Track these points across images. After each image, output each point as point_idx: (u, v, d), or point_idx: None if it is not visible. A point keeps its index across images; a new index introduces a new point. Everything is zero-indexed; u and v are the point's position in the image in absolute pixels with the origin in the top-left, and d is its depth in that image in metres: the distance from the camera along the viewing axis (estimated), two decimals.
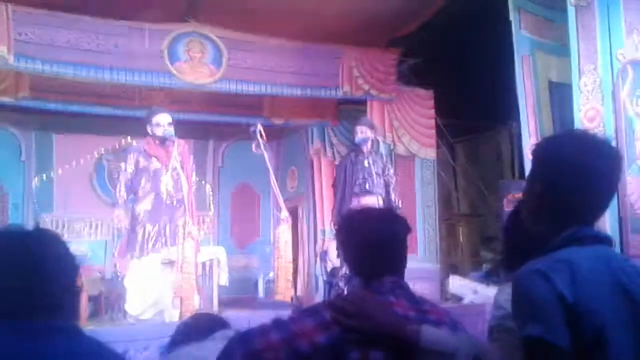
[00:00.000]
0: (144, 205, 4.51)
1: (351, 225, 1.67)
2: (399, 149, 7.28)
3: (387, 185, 5.41)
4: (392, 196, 5.54)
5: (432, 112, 7.39)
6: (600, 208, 1.32)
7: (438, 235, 7.30)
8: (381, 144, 7.14)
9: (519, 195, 6.03)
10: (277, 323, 1.42)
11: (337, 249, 5.18)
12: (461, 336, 1.45)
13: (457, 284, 5.57)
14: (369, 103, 7.22)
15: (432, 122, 7.41)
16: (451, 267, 7.42)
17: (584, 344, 1.12)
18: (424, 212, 7.26)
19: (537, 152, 1.36)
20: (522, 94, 5.53)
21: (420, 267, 6.54)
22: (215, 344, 1.45)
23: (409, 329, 1.37)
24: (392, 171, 5.76)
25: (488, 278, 5.85)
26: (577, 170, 1.25)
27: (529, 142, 5.36)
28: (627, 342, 1.15)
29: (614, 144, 1.36)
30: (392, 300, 1.50)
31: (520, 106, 5.53)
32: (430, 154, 7.40)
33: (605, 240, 1.30)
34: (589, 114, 4.51)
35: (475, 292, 4.88)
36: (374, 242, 1.58)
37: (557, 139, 1.40)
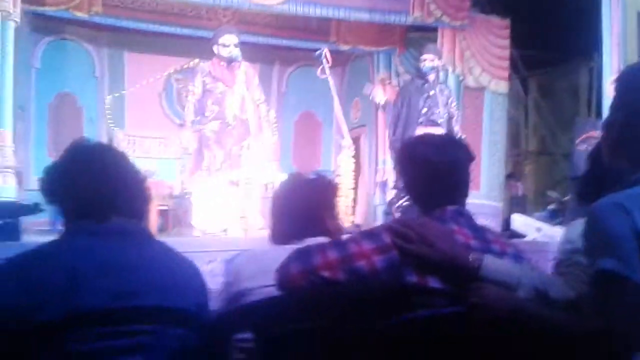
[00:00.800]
0: (211, 127, 4.59)
1: (411, 152, 1.62)
2: (469, 81, 7.01)
3: (450, 118, 5.24)
4: (455, 129, 5.38)
5: (507, 42, 7.01)
6: None
7: (503, 173, 7.12)
8: (449, 74, 6.89)
9: (594, 133, 5.72)
10: (336, 243, 1.44)
11: (395, 178, 5.15)
12: (524, 267, 1.42)
13: (520, 221, 5.45)
14: (439, 31, 6.92)
15: (506, 53, 7.04)
16: (515, 205, 7.25)
17: None
18: (490, 147, 7.05)
19: (621, 78, 1.27)
20: (607, 26, 5.16)
21: (483, 203, 6.44)
22: (279, 254, 1.50)
23: (470, 258, 1.35)
24: (455, 103, 5.56)
25: (553, 218, 5.69)
26: None
27: (610, 78, 5.03)
28: None
29: None
30: (454, 228, 1.47)
31: (604, 39, 5.17)
32: (502, 87, 7.08)
33: None
34: None
35: (538, 231, 4.77)
36: (434, 169, 1.53)
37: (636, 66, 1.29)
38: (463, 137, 5.57)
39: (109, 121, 7.67)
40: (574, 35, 6.45)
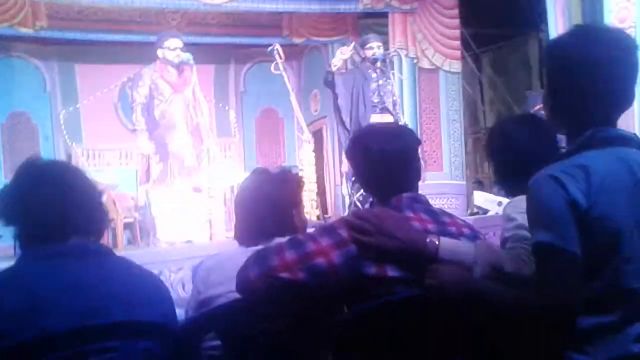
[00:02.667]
0: (164, 132, 4.52)
1: (362, 144, 1.63)
2: (423, 63, 7.08)
3: (394, 105, 5.27)
4: (399, 116, 5.41)
5: (457, 22, 7.09)
6: (618, 104, 1.24)
7: (464, 151, 7.23)
8: (403, 58, 6.95)
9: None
10: (294, 241, 1.43)
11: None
12: (479, 246, 1.45)
13: (481, 198, 5.56)
14: (390, 15, 6.96)
15: (457, 32, 7.12)
16: (477, 182, 7.38)
17: (597, 249, 1.12)
18: (449, 127, 7.14)
19: (544, 52, 1.31)
20: None
21: (446, 184, 6.54)
22: (245, 257, 1.50)
23: (427, 242, 1.37)
24: (396, 90, 5.59)
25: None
26: (583, 64, 1.18)
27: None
28: None
29: (636, 37, 1.28)
30: (411, 215, 1.49)
31: (549, 10, 5.27)
32: (455, 66, 7.17)
33: (629, 140, 1.24)
34: (621, 14, 4.28)
35: (499, 204, 4.88)
36: (387, 159, 1.55)
37: (562, 37, 1.31)
38: (406, 123, 5.64)
39: (65, 137, 7.51)
40: (521, 9, 6.56)
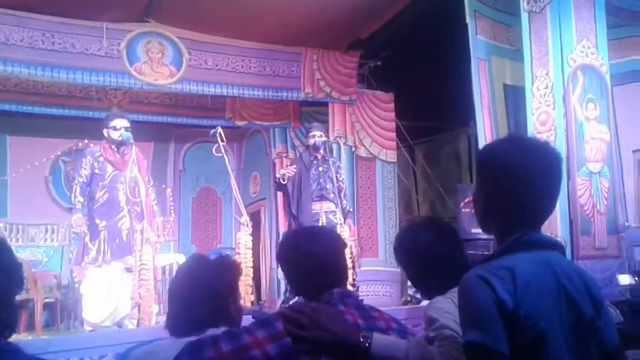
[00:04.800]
0: (101, 212, 4.42)
1: (287, 249, 1.70)
2: (360, 151, 7.35)
3: (339, 191, 5.38)
4: (344, 202, 5.50)
5: (392, 114, 7.48)
6: (544, 210, 1.33)
7: None
8: (342, 146, 7.20)
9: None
10: (230, 334, 1.42)
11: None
12: (411, 341, 1.47)
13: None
14: (330, 105, 7.27)
15: (393, 124, 7.50)
16: None
17: (523, 348, 1.16)
18: (385, 214, 7.33)
19: (479, 157, 1.39)
20: (478, 97, 5.64)
21: (381, 270, 6.61)
22: (176, 348, 1.44)
23: (361, 337, 1.38)
24: (343, 176, 5.74)
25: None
26: (517, 172, 1.27)
27: (484, 144, 5.48)
28: (566, 344, 1.19)
29: (557, 145, 1.40)
30: (342, 309, 1.52)
31: (477, 109, 5.64)
32: (391, 156, 7.49)
33: (551, 244, 1.32)
34: (541, 117, 4.64)
35: None
36: (318, 260, 1.61)
37: (496, 144, 1.41)
38: (350, 209, 5.75)
39: None
40: (453, 106, 6.99)
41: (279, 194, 6.47)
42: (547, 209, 1.34)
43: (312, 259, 1.61)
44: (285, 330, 1.36)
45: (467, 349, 1.17)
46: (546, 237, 1.34)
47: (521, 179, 1.27)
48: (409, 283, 5.95)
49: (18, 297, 1.45)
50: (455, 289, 1.70)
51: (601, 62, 4.73)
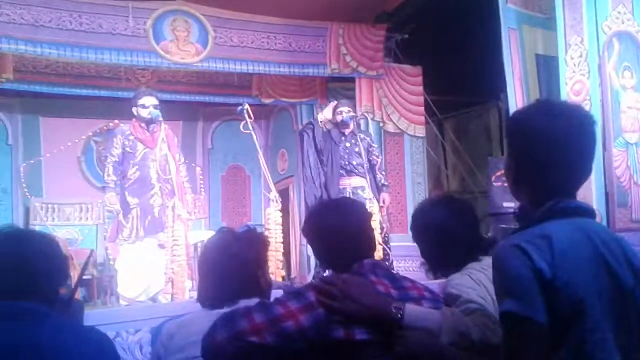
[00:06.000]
0: (133, 189, 4.48)
1: (312, 223, 1.70)
2: (388, 127, 7.28)
3: (372, 166, 5.33)
4: (379, 176, 5.46)
5: (420, 88, 7.37)
6: (577, 177, 1.29)
7: None
8: (370, 121, 7.14)
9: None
10: (262, 305, 1.43)
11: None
12: (445, 312, 1.46)
13: None
14: (357, 81, 7.19)
15: (421, 98, 7.39)
16: None
17: (562, 318, 1.14)
18: (414, 189, 7.28)
19: (507, 125, 1.36)
20: (509, 68, 5.50)
21: (412, 245, 6.57)
22: (209, 320, 1.46)
23: (393, 308, 1.38)
24: (377, 151, 5.69)
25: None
26: (545, 138, 1.23)
27: (513, 111, 5.36)
28: (605, 314, 1.17)
29: (591, 112, 1.35)
30: (373, 279, 1.52)
31: (508, 81, 5.51)
32: (419, 131, 7.40)
33: (587, 212, 1.28)
34: (576, 87, 4.50)
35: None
36: (338, 233, 1.60)
37: (525, 110, 1.37)
38: (386, 182, 5.72)
39: (25, 190, 7.32)
40: (482, 79, 6.86)
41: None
42: (580, 175, 1.30)
43: (338, 232, 1.60)
44: (317, 302, 1.38)
45: (504, 320, 1.15)
46: (581, 203, 1.30)
47: (550, 144, 1.23)
48: None
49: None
50: (471, 265, 1.71)
51: (638, 29, 4.55)
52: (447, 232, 1.74)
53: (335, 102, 5.69)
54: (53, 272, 1.47)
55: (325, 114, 5.32)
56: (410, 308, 1.40)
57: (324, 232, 1.64)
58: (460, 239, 1.75)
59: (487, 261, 1.73)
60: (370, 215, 1.76)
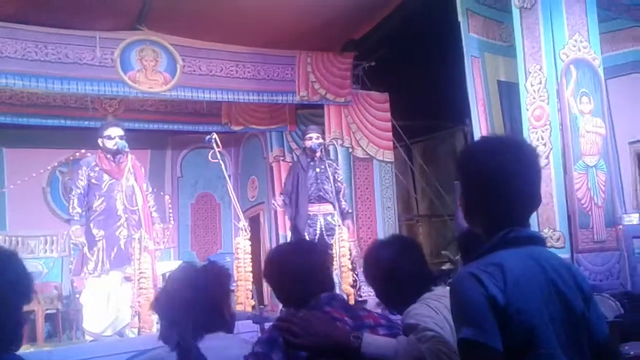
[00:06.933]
0: (98, 221, 4.41)
1: (273, 265, 1.77)
2: (358, 152, 7.36)
3: (337, 192, 5.37)
4: (343, 203, 5.48)
5: (388, 114, 7.49)
6: (527, 207, 1.34)
7: None
8: (338, 147, 7.20)
9: None
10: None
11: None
12: (400, 339, 1.49)
13: None
14: (326, 107, 7.28)
15: (389, 124, 7.51)
16: None
17: (516, 344, 1.16)
18: (383, 213, 7.34)
19: (459, 161, 1.41)
20: (472, 94, 5.66)
21: None
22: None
23: (351, 337, 1.41)
24: (341, 177, 5.75)
25: (446, 278, 5.95)
26: (494, 174, 1.29)
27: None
28: (558, 339, 1.20)
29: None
30: (328, 310, 1.57)
31: (472, 106, 5.65)
32: (388, 156, 7.50)
33: (538, 240, 1.33)
34: (536, 112, 4.65)
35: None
36: (297, 274, 1.67)
37: (472, 147, 1.47)
38: (350, 210, 5.78)
39: None
40: (448, 104, 7.01)
41: (277, 196, 6.44)
42: (529, 204, 1.35)
43: (300, 271, 1.67)
44: (282, 340, 1.40)
45: (462, 346, 1.18)
46: (532, 232, 1.35)
47: (500, 179, 1.29)
48: None
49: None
50: (427, 295, 1.77)
51: (594, 56, 4.74)
52: (396, 270, 1.84)
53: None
54: (20, 297, 1.38)
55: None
56: (368, 337, 1.44)
57: (287, 273, 1.70)
58: (408, 274, 1.84)
59: (439, 290, 1.83)
60: (328, 254, 1.83)
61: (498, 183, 1.28)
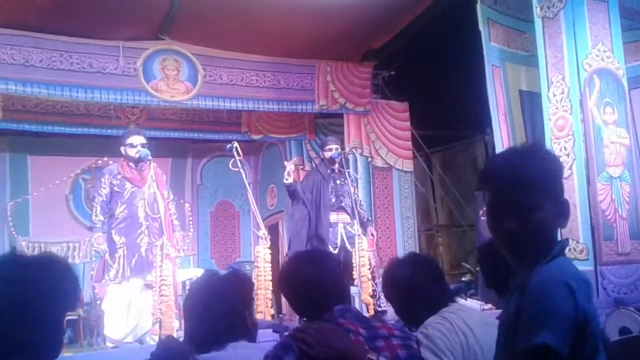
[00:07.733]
0: (120, 229, 4.46)
1: (287, 276, 1.78)
2: (377, 161, 7.35)
3: (355, 203, 5.34)
4: (362, 213, 5.43)
5: (408, 123, 7.48)
6: (567, 213, 1.34)
7: (418, 247, 7.34)
8: (358, 156, 7.20)
9: None
10: None
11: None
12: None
13: None
14: (345, 116, 7.29)
15: (408, 133, 7.49)
16: None
17: (584, 353, 1.19)
18: (402, 223, 7.31)
19: (482, 173, 1.39)
20: (493, 104, 5.62)
21: None
22: None
23: (367, 357, 1.41)
24: (357, 189, 5.74)
25: (467, 289, 5.89)
26: (519, 182, 1.28)
27: (502, 149, 5.44)
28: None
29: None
30: (342, 322, 1.57)
31: (493, 116, 5.61)
32: (407, 165, 7.47)
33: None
34: (559, 123, 4.59)
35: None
36: (311, 285, 1.69)
37: (497, 157, 1.47)
38: (370, 218, 5.73)
39: (11, 229, 7.25)
40: (468, 113, 6.98)
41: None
42: (568, 211, 1.35)
43: (313, 282, 1.68)
44: (297, 349, 1.44)
45: (536, 350, 1.15)
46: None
47: (524, 186, 1.28)
48: None
49: None
50: (444, 309, 1.77)
51: (617, 66, 4.68)
52: (412, 289, 1.90)
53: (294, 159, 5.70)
54: (65, 308, 1.33)
55: (288, 168, 5.32)
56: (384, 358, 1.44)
57: (300, 284, 1.71)
58: (425, 292, 1.90)
59: (455, 306, 1.90)
60: (341, 263, 1.84)
61: (523, 191, 1.29)
